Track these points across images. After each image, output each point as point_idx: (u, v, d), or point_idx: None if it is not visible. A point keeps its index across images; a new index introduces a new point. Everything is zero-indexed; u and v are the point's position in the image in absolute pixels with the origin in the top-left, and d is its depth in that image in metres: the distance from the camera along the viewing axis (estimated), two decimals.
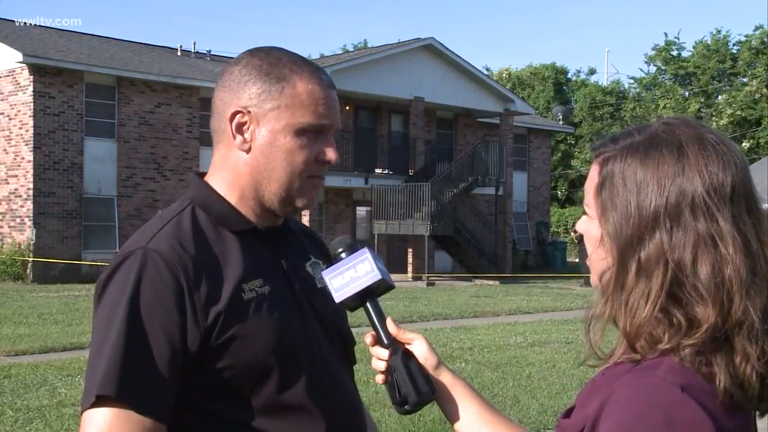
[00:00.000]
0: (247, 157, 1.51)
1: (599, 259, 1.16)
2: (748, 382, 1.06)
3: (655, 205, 1.09)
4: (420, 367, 1.39)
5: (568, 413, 1.17)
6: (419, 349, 1.41)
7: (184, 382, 1.40)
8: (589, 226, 1.20)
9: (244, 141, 1.50)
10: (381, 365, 1.41)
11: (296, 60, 1.53)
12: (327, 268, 1.46)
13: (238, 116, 1.50)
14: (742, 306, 1.06)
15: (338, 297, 1.42)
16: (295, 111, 1.48)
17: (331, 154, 1.52)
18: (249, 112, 1.49)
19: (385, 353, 1.40)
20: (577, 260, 25.76)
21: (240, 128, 1.50)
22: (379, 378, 1.41)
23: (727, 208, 1.08)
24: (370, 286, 1.41)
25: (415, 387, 1.36)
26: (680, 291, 1.07)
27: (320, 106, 1.50)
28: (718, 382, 1.05)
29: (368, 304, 1.43)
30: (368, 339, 1.43)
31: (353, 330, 1.68)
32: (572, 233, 28.55)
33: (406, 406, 1.37)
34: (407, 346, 1.42)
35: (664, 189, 1.09)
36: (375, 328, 1.43)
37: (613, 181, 1.14)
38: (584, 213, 1.23)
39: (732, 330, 1.06)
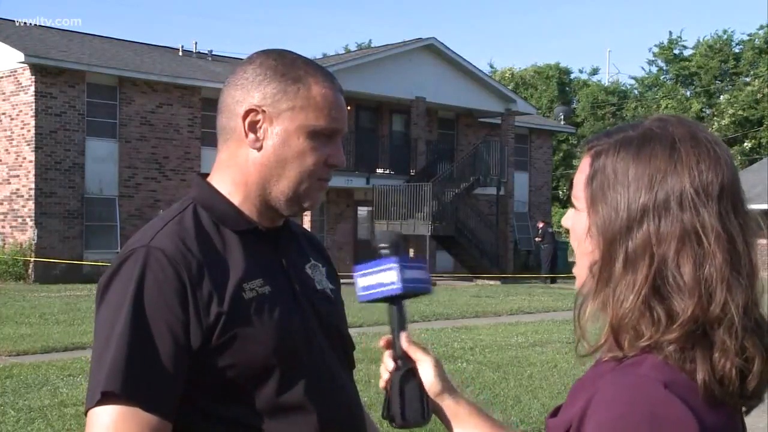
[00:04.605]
0: (257, 155, 1.52)
1: (586, 252, 1.16)
2: (728, 377, 1.05)
3: (644, 200, 1.10)
4: (420, 390, 1.36)
5: (555, 412, 1.17)
6: (425, 373, 1.38)
7: (185, 382, 1.39)
8: (576, 219, 1.19)
9: (257, 139, 1.51)
10: (384, 374, 1.39)
11: (310, 63, 1.55)
12: (361, 263, 1.43)
13: (251, 114, 1.51)
14: (722, 301, 1.06)
15: (360, 298, 1.41)
16: (310, 113, 1.50)
17: (340, 158, 1.55)
18: (263, 111, 1.50)
19: (390, 365, 1.39)
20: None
21: (253, 126, 1.51)
22: (381, 383, 1.40)
23: (714, 207, 1.08)
24: (388, 297, 1.39)
25: (402, 411, 1.35)
26: (663, 285, 1.08)
27: (333, 111, 1.52)
28: (698, 377, 1.05)
29: (392, 308, 1.41)
30: (382, 342, 1.41)
31: (355, 330, 1.67)
32: (536, 238, 28.27)
33: (392, 424, 1.37)
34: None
35: (654, 185, 1.10)
36: (392, 334, 1.41)
37: (604, 173, 1.13)
38: (571, 206, 1.22)
39: (711, 325, 1.06)
